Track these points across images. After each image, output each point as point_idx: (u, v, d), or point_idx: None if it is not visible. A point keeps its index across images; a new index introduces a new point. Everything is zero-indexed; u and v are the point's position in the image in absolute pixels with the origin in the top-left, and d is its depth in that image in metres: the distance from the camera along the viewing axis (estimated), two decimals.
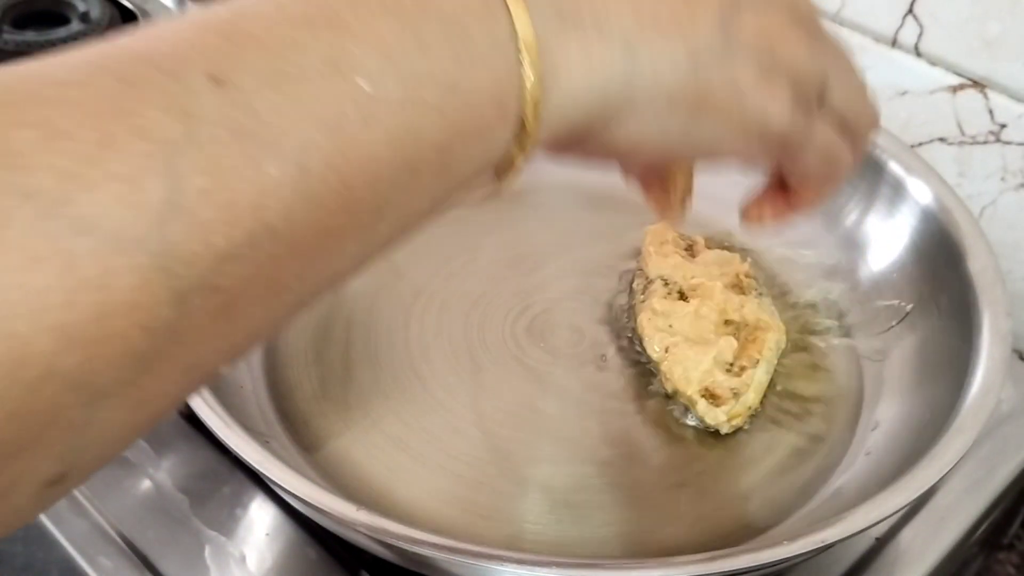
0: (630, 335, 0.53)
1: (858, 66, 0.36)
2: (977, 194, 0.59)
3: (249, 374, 0.50)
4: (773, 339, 0.50)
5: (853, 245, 0.56)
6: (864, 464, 0.46)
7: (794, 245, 0.58)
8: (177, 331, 0.20)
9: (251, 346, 0.23)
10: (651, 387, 0.51)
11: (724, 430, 0.48)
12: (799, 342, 0.53)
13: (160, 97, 0.20)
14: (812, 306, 0.55)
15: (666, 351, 0.50)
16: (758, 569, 0.38)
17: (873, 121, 0.37)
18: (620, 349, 0.53)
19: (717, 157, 0.34)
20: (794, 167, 0.36)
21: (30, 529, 0.45)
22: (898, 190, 0.54)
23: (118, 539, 0.44)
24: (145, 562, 0.43)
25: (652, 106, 0.30)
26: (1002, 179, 0.58)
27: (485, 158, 0.27)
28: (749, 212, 0.41)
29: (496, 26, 0.26)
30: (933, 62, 0.58)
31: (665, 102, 0.30)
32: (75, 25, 0.74)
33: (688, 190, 0.41)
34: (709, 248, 0.56)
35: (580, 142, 0.30)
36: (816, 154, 0.34)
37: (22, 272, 0.18)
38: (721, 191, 0.46)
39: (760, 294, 0.53)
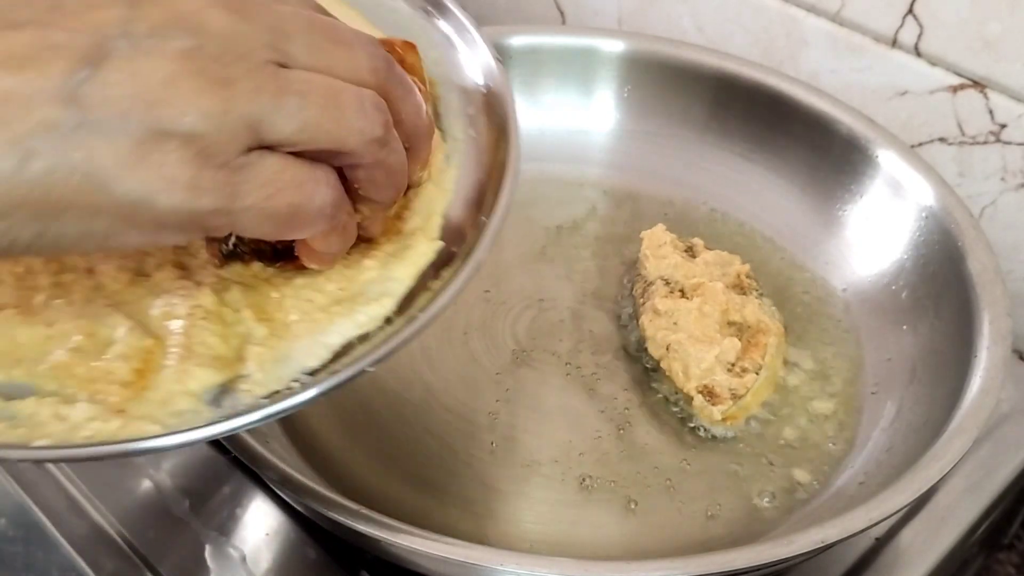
0: (632, 338, 0.53)
1: (344, 37, 0.30)
2: (977, 194, 0.59)
3: None
4: (774, 342, 0.50)
5: (853, 245, 0.56)
6: (864, 464, 0.46)
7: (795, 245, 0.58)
8: None
9: None
10: (653, 389, 0.51)
11: (718, 430, 0.48)
12: (798, 342, 0.53)
13: None
14: (811, 305, 0.55)
15: (667, 349, 0.50)
16: (758, 569, 0.38)
17: (367, 136, 0.30)
18: (622, 352, 0.53)
19: (117, 246, 0.29)
20: (239, 228, 0.30)
21: (30, 529, 0.45)
22: (898, 190, 0.54)
23: (118, 539, 0.44)
24: (145, 562, 0.43)
25: None
26: (1002, 179, 0.58)
27: None
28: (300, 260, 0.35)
29: None
30: (933, 62, 0.58)
31: None
32: None
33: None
34: (709, 249, 0.56)
35: None
36: (263, 208, 0.29)
37: None
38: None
39: (760, 295, 0.53)
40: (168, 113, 0.27)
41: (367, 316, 0.34)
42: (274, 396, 0.32)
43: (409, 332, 0.32)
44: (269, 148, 0.29)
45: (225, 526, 0.45)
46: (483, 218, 0.36)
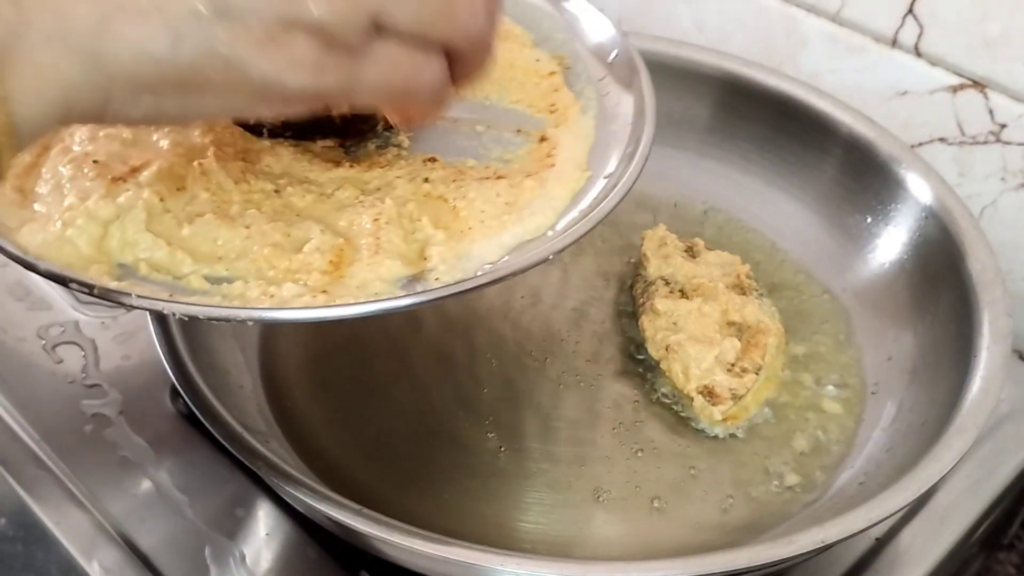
0: (633, 338, 0.53)
1: None
2: (977, 194, 0.59)
3: (249, 374, 0.50)
4: (774, 343, 0.50)
5: (853, 245, 0.56)
6: (864, 465, 0.46)
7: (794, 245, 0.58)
8: None
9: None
10: (653, 389, 0.51)
11: (718, 430, 0.48)
12: (798, 342, 0.53)
13: None
14: (811, 305, 0.55)
15: (667, 350, 0.50)
16: (758, 569, 0.38)
17: (466, 29, 0.34)
18: (622, 352, 0.53)
19: (251, 114, 0.34)
20: (357, 101, 0.34)
21: (30, 529, 0.45)
22: (898, 190, 0.54)
23: (118, 539, 0.44)
24: (145, 562, 0.43)
25: (134, 95, 0.30)
26: (1002, 179, 0.58)
27: None
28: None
29: None
30: (933, 62, 0.58)
31: (146, 90, 0.30)
32: None
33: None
34: (709, 249, 0.56)
35: (93, 121, 0.32)
36: (375, 87, 0.33)
37: None
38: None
39: (761, 295, 0.53)
40: (298, 6, 0.29)
41: (535, 224, 0.39)
42: (461, 282, 0.36)
43: (583, 228, 0.37)
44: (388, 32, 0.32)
45: (225, 526, 0.45)
46: (629, 150, 0.41)
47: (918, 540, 0.47)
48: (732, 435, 0.48)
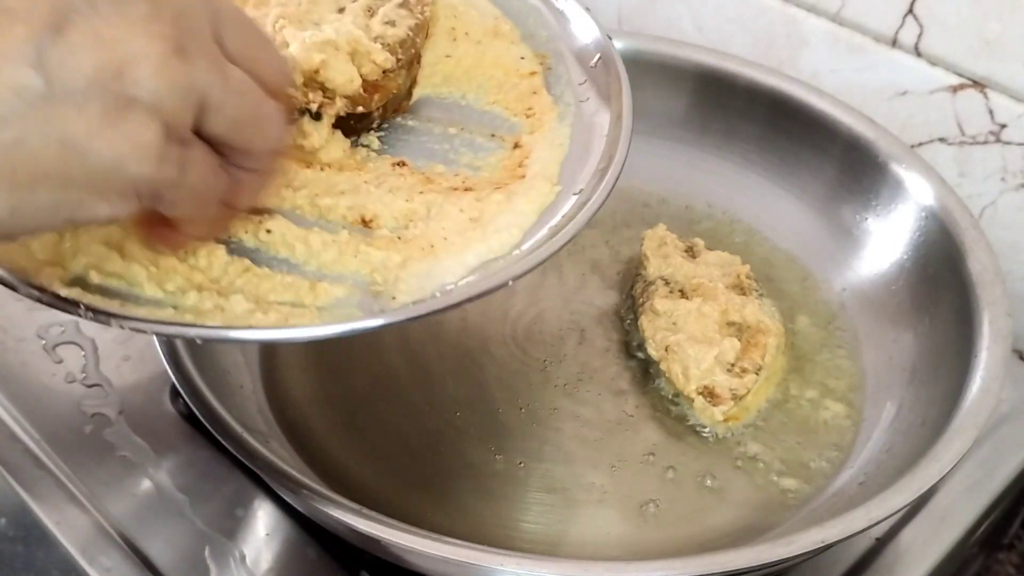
0: (633, 339, 0.53)
1: (267, 42, 0.33)
2: (977, 194, 0.59)
3: (249, 374, 0.50)
4: (774, 343, 0.50)
5: (853, 245, 0.56)
6: (864, 464, 0.46)
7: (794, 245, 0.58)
8: None
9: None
10: (654, 389, 0.51)
11: (719, 430, 0.48)
12: (798, 342, 0.53)
13: None
14: (811, 306, 0.55)
15: (666, 350, 0.50)
16: (758, 569, 0.38)
17: (268, 145, 0.32)
18: (622, 352, 0.53)
19: (84, 219, 0.29)
20: (168, 205, 0.30)
21: (30, 529, 0.45)
22: (898, 190, 0.54)
23: (118, 539, 0.44)
24: (145, 562, 0.43)
25: None
26: (1002, 179, 0.58)
27: None
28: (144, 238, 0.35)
29: None
30: (933, 62, 0.58)
31: None
32: None
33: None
34: (709, 249, 0.56)
35: None
36: (192, 188, 0.30)
37: None
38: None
39: (761, 295, 0.53)
40: (135, 81, 0.27)
41: (499, 243, 0.37)
42: (419, 303, 0.35)
43: (545, 253, 0.36)
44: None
45: (225, 526, 0.45)
46: (601, 166, 0.39)
47: (918, 540, 0.47)
48: (733, 435, 0.48)
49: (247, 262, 0.36)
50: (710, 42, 0.67)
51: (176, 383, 0.43)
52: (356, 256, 0.37)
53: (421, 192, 0.40)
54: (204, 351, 0.46)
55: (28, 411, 0.49)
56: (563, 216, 0.38)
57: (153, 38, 0.27)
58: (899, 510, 0.39)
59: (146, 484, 0.46)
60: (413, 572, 0.41)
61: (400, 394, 0.50)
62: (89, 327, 0.53)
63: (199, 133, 0.30)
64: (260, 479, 0.46)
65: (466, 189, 0.40)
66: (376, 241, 0.38)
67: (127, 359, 0.52)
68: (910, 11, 0.57)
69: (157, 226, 0.34)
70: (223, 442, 0.41)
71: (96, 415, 0.49)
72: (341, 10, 0.41)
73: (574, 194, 0.39)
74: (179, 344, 0.45)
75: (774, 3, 0.63)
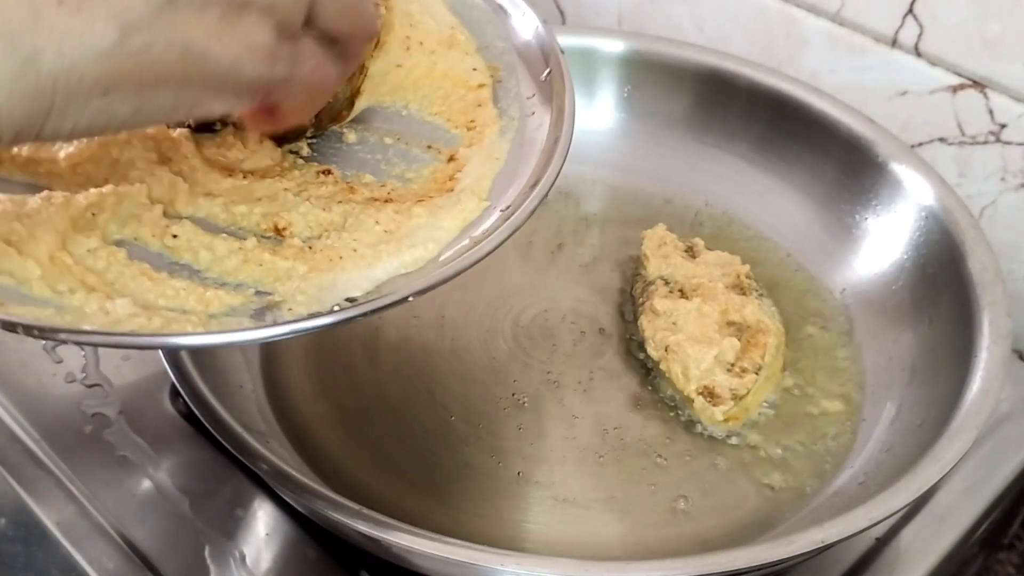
0: (633, 339, 0.53)
1: None
2: (977, 194, 0.59)
3: (249, 374, 0.50)
4: (774, 343, 0.50)
5: (853, 245, 0.56)
6: (864, 464, 0.46)
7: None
8: None
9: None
10: (654, 389, 0.51)
11: (719, 431, 0.48)
12: (798, 342, 0.53)
13: None
14: (811, 305, 0.55)
15: (666, 350, 0.50)
16: (758, 569, 0.38)
17: (369, 32, 0.35)
18: (622, 352, 0.53)
19: (200, 115, 0.31)
20: (282, 98, 0.33)
21: (31, 529, 0.45)
22: (898, 190, 0.54)
23: (118, 539, 0.44)
24: (145, 562, 0.43)
25: (81, 98, 0.27)
26: (1002, 179, 0.58)
27: None
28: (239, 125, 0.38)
29: None
30: (933, 62, 0.58)
31: (96, 89, 0.27)
32: None
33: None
34: (709, 249, 0.56)
35: (30, 139, 0.28)
36: (303, 82, 0.32)
37: None
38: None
39: (761, 295, 0.53)
40: None
41: (412, 257, 0.36)
42: (312, 316, 0.34)
43: (449, 271, 0.35)
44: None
45: (225, 526, 0.45)
46: (530, 183, 0.38)
47: (918, 540, 0.47)
48: (733, 435, 0.48)
49: (145, 266, 0.35)
50: (710, 42, 0.67)
51: (176, 383, 0.43)
52: (260, 265, 0.36)
53: (340, 202, 0.39)
54: (204, 351, 0.46)
55: (28, 411, 0.49)
56: (484, 230, 0.37)
57: None
58: (899, 510, 0.39)
59: (146, 484, 0.46)
60: (413, 572, 0.41)
61: (400, 394, 0.50)
62: None
63: (308, 26, 0.32)
64: (260, 479, 0.46)
65: (386, 201, 0.39)
66: (284, 251, 0.37)
67: (127, 359, 0.52)
68: (910, 11, 0.57)
69: (260, 111, 0.36)
70: (223, 442, 0.41)
71: (96, 415, 0.49)
72: None
73: (500, 210, 0.38)
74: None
75: (774, 3, 0.63)
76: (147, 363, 0.51)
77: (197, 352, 0.45)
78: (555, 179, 0.38)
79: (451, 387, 0.51)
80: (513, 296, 0.55)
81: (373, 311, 0.33)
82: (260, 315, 0.34)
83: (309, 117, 0.38)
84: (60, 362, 0.51)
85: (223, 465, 0.47)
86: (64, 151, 0.38)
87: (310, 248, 0.37)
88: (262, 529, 0.45)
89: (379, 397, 0.50)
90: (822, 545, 0.37)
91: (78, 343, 0.34)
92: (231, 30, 0.28)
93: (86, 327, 0.32)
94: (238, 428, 0.41)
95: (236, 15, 0.28)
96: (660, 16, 0.70)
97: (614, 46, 0.62)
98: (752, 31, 0.65)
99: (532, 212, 0.37)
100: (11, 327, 0.31)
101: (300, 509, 0.44)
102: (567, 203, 0.61)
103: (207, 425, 0.41)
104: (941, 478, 0.40)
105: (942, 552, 0.46)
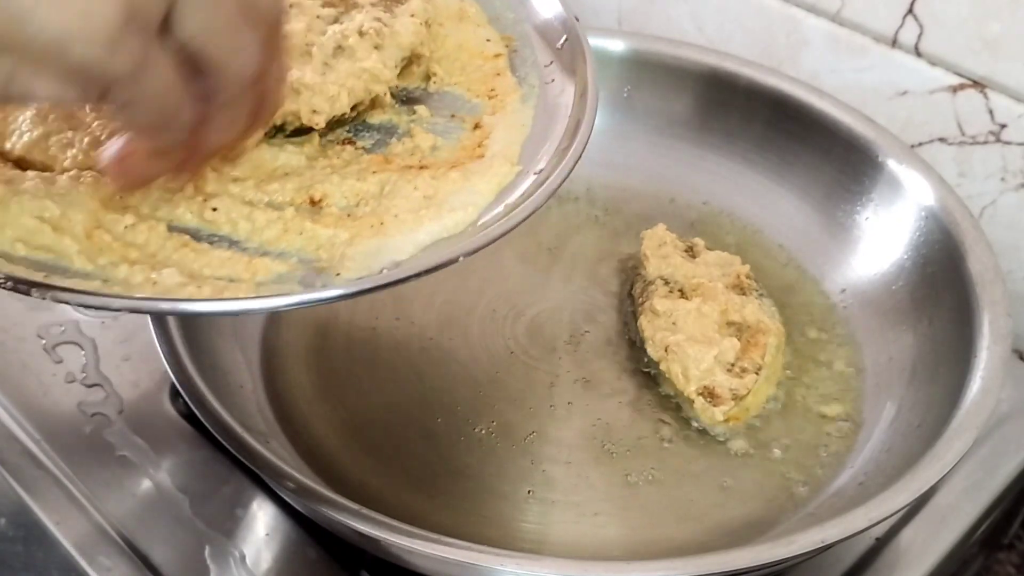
0: (633, 338, 0.53)
1: None
2: (977, 194, 0.59)
3: (249, 374, 0.50)
4: (774, 343, 0.50)
5: (853, 245, 0.56)
6: (864, 464, 0.46)
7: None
8: None
9: None
10: (654, 389, 0.51)
11: (720, 431, 0.48)
12: (799, 342, 0.53)
13: None
14: (811, 305, 0.55)
15: (666, 350, 0.50)
16: (758, 569, 0.38)
17: (247, 73, 0.29)
18: (622, 352, 0.53)
19: (16, 93, 0.26)
20: (122, 106, 0.28)
21: (30, 529, 0.45)
22: (898, 190, 0.54)
23: (118, 539, 0.44)
24: (145, 562, 0.43)
25: None
26: (1002, 179, 0.58)
27: None
28: (105, 166, 0.33)
29: None
30: (933, 62, 0.58)
31: None
32: None
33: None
34: (709, 249, 0.56)
35: None
36: (149, 98, 0.27)
37: None
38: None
39: (761, 295, 0.53)
40: None
41: (453, 221, 0.37)
42: (364, 279, 0.34)
43: (498, 231, 0.35)
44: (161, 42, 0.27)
45: (225, 526, 0.45)
46: (563, 146, 0.39)
47: (918, 540, 0.47)
48: (733, 435, 0.48)
49: (186, 237, 0.36)
50: (710, 42, 0.67)
51: (176, 383, 0.43)
52: (301, 234, 0.36)
53: (374, 172, 0.39)
54: (204, 351, 0.46)
55: (28, 411, 0.49)
56: (521, 194, 0.37)
57: None
58: (899, 510, 0.39)
59: (146, 484, 0.46)
60: (413, 572, 0.41)
61: (400, 395, 0.50)
62: (89, 327, 0.53)
63: (167, 40, 0.27)
64: (260, 479, 0.46)
65: (421, 168, 0.39)
66: (323, 219, 0.37)
67: (127, 359, 0.52)
68: (910, 11, 0.57)
69: (124, 156, 0.32)
70: (223, 442, 0.41)
71: (96, 415, 0.49)
72: (339, 48, 0.41)
73: (534, 173, 0.38)
74: (179, 344, 0.45)
75: (774, 3, 0.63)
76: (147, 363, 0.51)
77: (198, 352, 0.45)
78: (587, 141, 0.39)
79: (451, 387, 0.51)
80: (513, 296, 0.55)
81: (425, 271, 0.34)
82: (309, 281, 0.35)
83: (167, 165, 0.34)
84: (60, 362, 0.51)
85: (223, 465, 0.47)
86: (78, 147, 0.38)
87: (348, 216, 0.37)
88: (262, 529, 0.45)
89: (379, 397, 0.50)
90: (822, 545, 0.37)
91: (134, 311, 0.33)
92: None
93: (139, 295, 0.32)
94: (238, 428, 0.41)
95: None
96: (660, 16, 0.70)
97: (614, 46, 0.62)
98: (752, 31, 0.65)
99: (568, 174, 0.38)
100: (62, 300, 0.31)
101: (300, 509, 0.44)
102: (567, 203, 0.61)
103: (207, 425, 0.41)
104: (941, 478, 0.40)
105: (942, 552, 0.46)
